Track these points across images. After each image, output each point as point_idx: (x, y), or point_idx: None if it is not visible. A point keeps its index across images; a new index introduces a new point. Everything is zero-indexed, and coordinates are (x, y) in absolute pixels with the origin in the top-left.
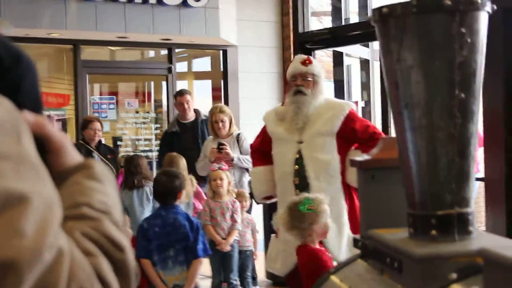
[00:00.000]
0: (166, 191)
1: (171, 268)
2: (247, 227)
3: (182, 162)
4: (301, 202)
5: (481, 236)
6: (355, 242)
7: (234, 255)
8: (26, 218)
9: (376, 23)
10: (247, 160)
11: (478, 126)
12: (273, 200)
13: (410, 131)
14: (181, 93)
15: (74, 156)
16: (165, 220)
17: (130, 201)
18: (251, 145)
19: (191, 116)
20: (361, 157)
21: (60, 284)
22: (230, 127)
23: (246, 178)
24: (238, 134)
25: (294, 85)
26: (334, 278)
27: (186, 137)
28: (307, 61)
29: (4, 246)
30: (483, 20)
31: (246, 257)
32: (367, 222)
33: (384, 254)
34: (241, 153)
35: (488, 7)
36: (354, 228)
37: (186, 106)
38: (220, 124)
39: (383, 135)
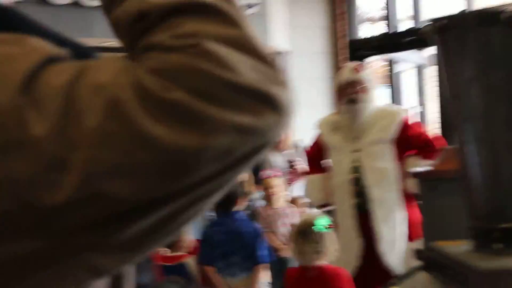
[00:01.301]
0: (226, 198)
1: (236, 275)
2: None
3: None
4: (312, 222)
5: None
6: (418, 254)
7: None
8: None
9: (434, 35)
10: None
11: None
12: (329, 208)
13: (471, 144)
14: None
15: None
16: (228, 227)
17: None
18: (306, 153)
19: None
20: (423, 168)
21: None
22: (287, 137)
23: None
24: (298, 143)
25: (347, 94)
26: None
27: None
28: (358, 69)
29: None
30: None
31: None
32: (430, 233)
33: (448, 267)
34: None
35: None
36: (411, 237)
37: None
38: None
39: (437, 142)
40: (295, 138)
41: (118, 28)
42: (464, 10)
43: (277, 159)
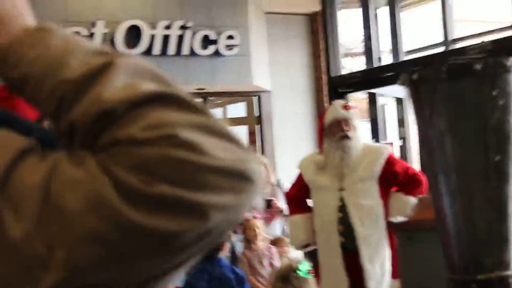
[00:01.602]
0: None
1: None
2: None
3: None
4: (297, 268)
5: None
6: None
7: None
8: None
9: (406, 88)
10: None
11: None
12: (310, 248)
13: (446, 196)
14: None
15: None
16: (211, 274)
17: None
18: (287, 194)
19: None
20: (398, 219)
21: None
22: (268, 176)
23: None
24: (278, 181)
25: (339, 131)
26: None
27: None
28: (349, 107)
29: None
30: None
31: None
32: (407, 283)
33: None
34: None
35: None
36: (394, 273)
37: None
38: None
39: (423, 176)
40: (274, 177)
41: (75, 130)
42: (435, 64)
43: (255, 199)
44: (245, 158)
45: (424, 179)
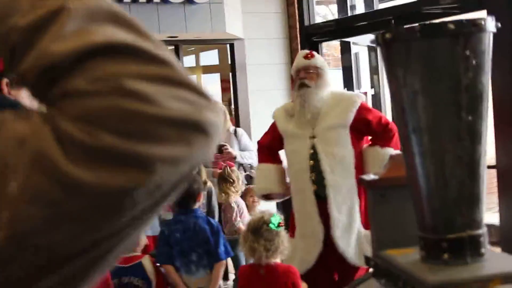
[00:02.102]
0: (185, 195)
1: (195, 272)
2: None
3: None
4: (269, 221)
5: (494, 258)
6: (367, 261)
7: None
8: None
9: (380, 47)
10: (247, 156)
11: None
12: (273, 201)
13: (418, 155)
14: None
15: None
16: (185, 225)
17: None
18: (259, 142)
19: None
20: (370, 176)
21: None
22: (224, 123)
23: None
24: (235, 130)
25: (298, 79)
26: None
27: None
28: (309, 55)
29: None
30: (487, 41)
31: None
32: (379, 241)
33: (396, 277)
34: (240, 149)
35: (492, 27)
36: (365, 222)
37: None
38: None
39: (394, 126)
40: (233, 127)
41: (26, 81)
42: (409, 17)
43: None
44: (202, 109)
45: (396, 129)
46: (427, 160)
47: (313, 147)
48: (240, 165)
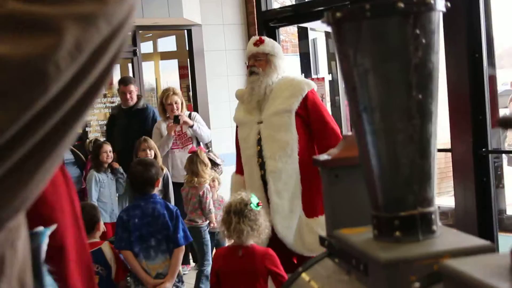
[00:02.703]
0: (143, 180)
1: (154, 258)
2: (219, 208)
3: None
4: (249, 201)
5: (445, 234)
6: (322, 241)
7: (206, 238)
8: None
9: (330, 26)
10: (204, 128)
11: (437, 125)
12: None
13: (369, 134)
14: (125, 83)
15: None
16: (144, 210)
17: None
18: (236, 145)
19: (132, 104)
20: (323, 156)
21: None
22: (181, 108)
23: None
24: (190, 114)
25: (249, 67)
26: (304, 276)
27: (120, 122)
28: (259, 41)
29: None
30: (437, 20)
31: (221, 238)
32: (333, 221)
33: (350, 255)
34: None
35: (442, 6)
36: (308, 210)
37: (128, 96)
38: (175, 106)
39: (337, 131)
40: (187, 112)
41: None
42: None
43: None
44: None
45: (337, 129)
46: (378, 139)
47: (259, 133)
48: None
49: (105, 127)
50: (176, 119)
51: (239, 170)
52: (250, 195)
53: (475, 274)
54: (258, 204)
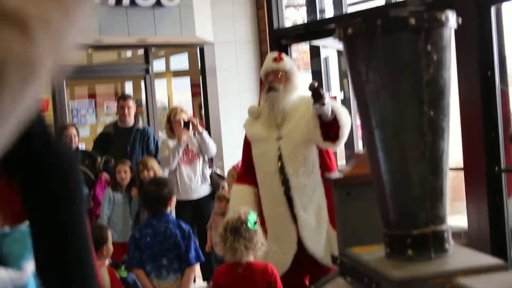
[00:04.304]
0: (156, 199)
1: (165, 277)
2: None
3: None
4: (246, 220)
5: (458, 253)
6: (334, 260)
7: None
8: None
9: (342, 42)
10: (210, 141)
11: (449, 142)
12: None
13: (381, 151)
14: (124, 98)
15: None
16: (156, 229)
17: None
18: (242, 160)
19: (129, 122)
20: (335, 175)
21: None
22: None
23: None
24: (195, 133)
25: (267, 83)
26: None
27: (118, 141)
28: (278, 58)
29: None
30: (448, 36)
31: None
32: (345, 239)
33: (362, 274)
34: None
35: (453, 22)
36: (333, 223)
37: (126, 111)
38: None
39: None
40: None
41: None
42: (370, 18)
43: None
44: None
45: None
46: (390, 155)
47: (280, 149)
48: (210, 160)
49: (94, 143)
50: (186, 124)
51: (245, 180)
52: (249, 213)
53: None
54: (255, 223)
